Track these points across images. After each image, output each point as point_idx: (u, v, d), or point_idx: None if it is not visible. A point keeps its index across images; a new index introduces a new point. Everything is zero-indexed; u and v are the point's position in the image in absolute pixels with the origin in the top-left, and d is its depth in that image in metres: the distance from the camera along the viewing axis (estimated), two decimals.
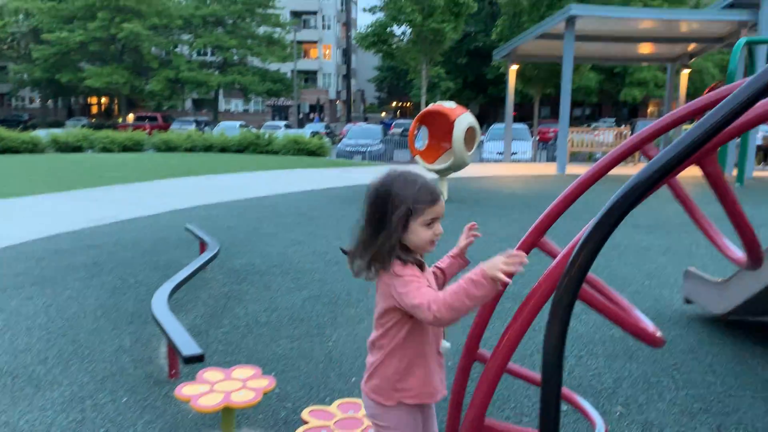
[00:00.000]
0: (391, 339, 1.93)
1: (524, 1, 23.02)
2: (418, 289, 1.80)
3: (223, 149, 22.41)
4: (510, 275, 1.66)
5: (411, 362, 1.93)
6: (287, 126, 38.35)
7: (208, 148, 22.55)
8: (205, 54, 51.41)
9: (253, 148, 22.23)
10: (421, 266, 1.92)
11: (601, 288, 2.06)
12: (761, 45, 13.45)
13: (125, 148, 22.35)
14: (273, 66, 51.22)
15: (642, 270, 5.67)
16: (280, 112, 62.90)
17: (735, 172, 13.20)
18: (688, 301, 4.50)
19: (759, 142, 16.32)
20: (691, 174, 1.68)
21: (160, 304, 3.53)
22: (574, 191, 2.18)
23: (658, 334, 1.74)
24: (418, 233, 1.88)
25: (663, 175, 1.28)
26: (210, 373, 2.98)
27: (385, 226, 1.87)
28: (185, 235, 6.49)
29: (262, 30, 49.71)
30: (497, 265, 1.67)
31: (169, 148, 22.42)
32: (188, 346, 2.89)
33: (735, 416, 2.99)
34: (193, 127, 32.82)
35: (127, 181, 12.62)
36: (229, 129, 27.85)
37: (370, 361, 1.99)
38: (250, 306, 4.60)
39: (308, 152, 21.80)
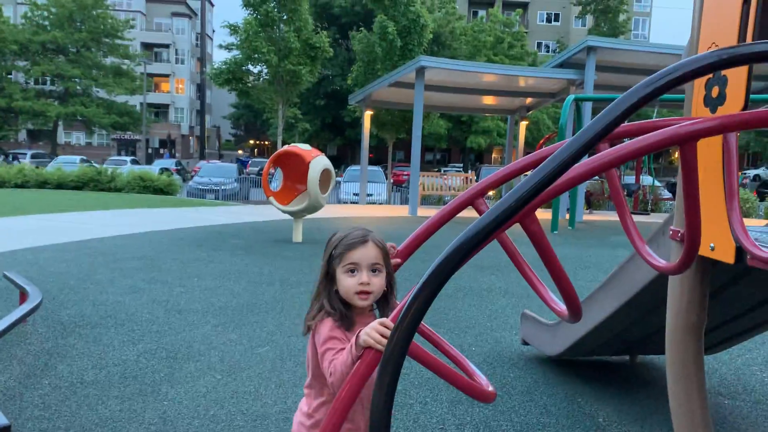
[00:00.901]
0: (317, 389, 1.92)
1: (378, 50, 23.85)
2: (327, 353, 1.77)
3: (60, 186, 20.70)
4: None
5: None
6: (134, 161, 36.43)
7: (42, 185, 20.72)
8: (44, 83, 47.78)
9: (93, 184, 20.75)
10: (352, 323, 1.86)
11: (436, 341, 2.07)
12: (587, 101, 14.95)
13: None
14: (121, 98, 48.65)
15: (484, 312, 5.90)
16: (127, 147, 59.75)
17: (567, 216, 14.39)
18: (525, 343, 4.72)
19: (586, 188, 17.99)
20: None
21: None
22: (420, 234, 2.20)
23: (490, 389, 1.76)
24: (342, 282, 1.84)
25: (482, 239, 1.29)
26: None
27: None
28: (3, 283, 5.81)
29: (109, 60, 47.17)
30: (370, 330, 1.63)
31: None
32: None
33: None
34: (26, 160, 30.14)
35: None
36: (67, 164, 25.88)
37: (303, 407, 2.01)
38: (75, 363, 4.16)
39: (156, 190, 20.73)
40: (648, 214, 16.85)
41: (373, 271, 1.85)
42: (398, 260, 2.11)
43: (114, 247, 8.73)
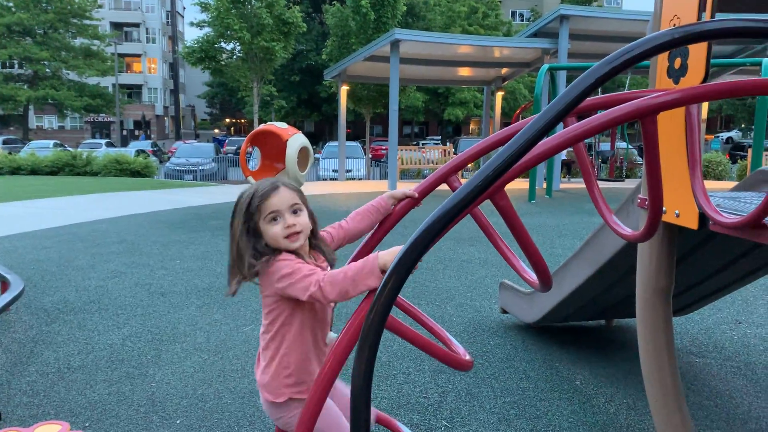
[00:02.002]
0: (274, 331, 1.92)
1: (352, 24, 23.62)
2: (298, 272, 1.79)
3: (34, 171, 20.39)
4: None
5: (291, 352, 1.92)
6: (109, 144, 35.88)
7: (15, 171, 20.40)
8: (12, 66, 46.60)
9: (69, 169, 20.46)
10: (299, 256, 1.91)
11: (415, 314, 2.15)
12: (561, 70, 15.01)
13: None
14: (92, 80, 47.66)
15: (464, 282, 6.01)
16: (101, 129, 58.77)
17: (545, 185, 14.54)
18: (504, 311, 4.84)
19: (564, 157, 18.14)
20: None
21: None
22: (399, 211, 2.26)
23: (467, 357, 1.84)
24: (267, 232, 1.88)
25: (452, 218, 1.35)
26: None
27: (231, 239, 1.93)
28: None
29: (78, 42, 46.07)
30: (394, 254, 1.66)
31: None
32: None
33: (545, 419, 3.25)
34: None
35: None
36: (41, 149, 25.45)
37: (259, 357, 2.01)
38: (61, 349, 4.19)
39: (132, 173, 20.49)
40: (623, 180, 17.07)
41: (294, 212, 1.90)
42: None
43: (93, 232, 8.68)
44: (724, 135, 46.27)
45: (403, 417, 3.25)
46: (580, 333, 4.69)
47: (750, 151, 15.12)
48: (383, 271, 1.70)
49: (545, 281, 1.77)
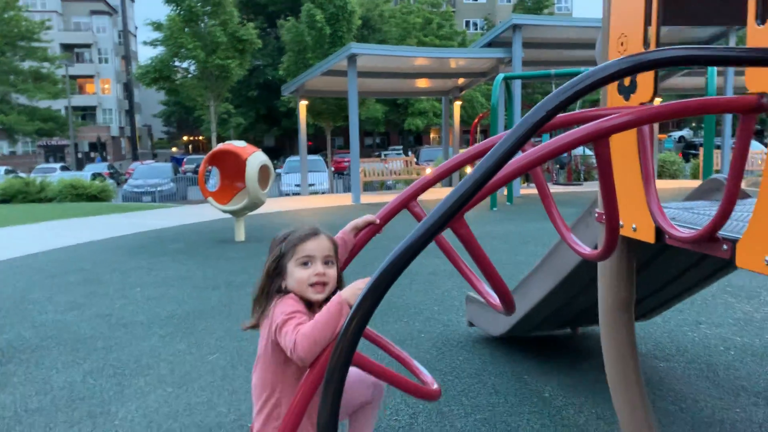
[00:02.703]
0: (269, 380, 1.92)
1: (308, 39, 23.63)
2: (289, 324, 1.76)
3: None
4: None
5: (283, 407, 1.89)
6: (64, 168, 35.11)
7: None
8: None
9: (22, 196, 19.89)
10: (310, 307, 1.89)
11: (382, 344, 2.13)
12: (516, 79, 15.26)
13: None
14: (43, 103, 46.55)
15: (431, 296, 6.02)
16: (55, 153, 57.42)
17: (506, 192, 14.70)
18: (471, 324, 4.85)
19: None
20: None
21: None
22: (362, 239, 2.24)
23: (435, 387, 1.83)
24: (294, 274, 1.85)
25: (417, 252, 1.34)
26: None
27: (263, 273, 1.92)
28: None
29: (27, 64, 44.95)
30: (356, 291, 1.66)
31: None
32: None
33: None
34: None
35: None
36: None
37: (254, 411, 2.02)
38: (18, 390, 4.04)
39: (89, 197, 20.04)
40: (581, 184, 17.39)
41: (326, 263, 1.88)
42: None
43: (49, 263, 8.44)
44: (677, 134, 47.64)
45: None
46: (548, 343, 4.73)
47: (702, 149, 15.60)
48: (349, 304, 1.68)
49: (508, 306, 1.77)
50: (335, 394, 1.51)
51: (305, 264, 1.86)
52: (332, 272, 1.89)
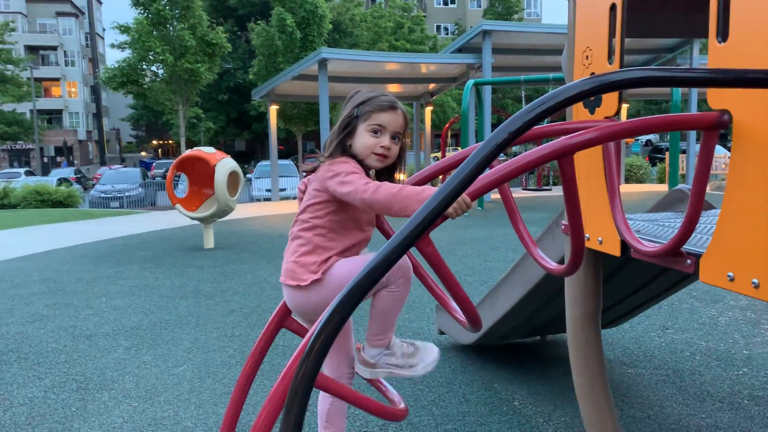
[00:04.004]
0: (316, 226, 1.96)
1: (278, 43, 23.49)
2: (360, 177, 1.81)
3: None
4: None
5: (328, 247, 1.95)
6: (29, 173, 34.37)
7: None
8: None
9: None
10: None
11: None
12: (486, 85, 15.38)
13: None
14: (8, 106, 45.52)
15: None
16: (20, 157, 56.18)
17: None
18: (441, 333, 4.85)
19: None
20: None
21: None
22: None
23: (401, 406, 1.81)
24: (361, 138, 1.90)
25: (383, 272, 1.32)
26: None
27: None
28: None
29: None
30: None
31: None
32: None
33: None
34: None
35: None
36: None
37: (287, 257, 2.03)
38: None
39: (55, 203, 19.62)
40: (550, 189, 17.57)
41: (394, 138, 1.93)
42: None
43: (11, 272, 8.22)
44: (644, 138, 48.50)
45: None
46: (517, 350, 4.75)
47: (668, 154, 15.89)
48: None
49: (474, 323, 1.76)
50: (297, 417, 1.48)
51: (375, 132, 1.92)
52: (396, 149, 1.96)
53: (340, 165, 1.87)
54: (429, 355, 2.02)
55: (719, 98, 1.66)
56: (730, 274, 1.67)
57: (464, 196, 1.60)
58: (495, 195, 17.32)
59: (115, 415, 3.72)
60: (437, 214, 1.38)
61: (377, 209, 1.78)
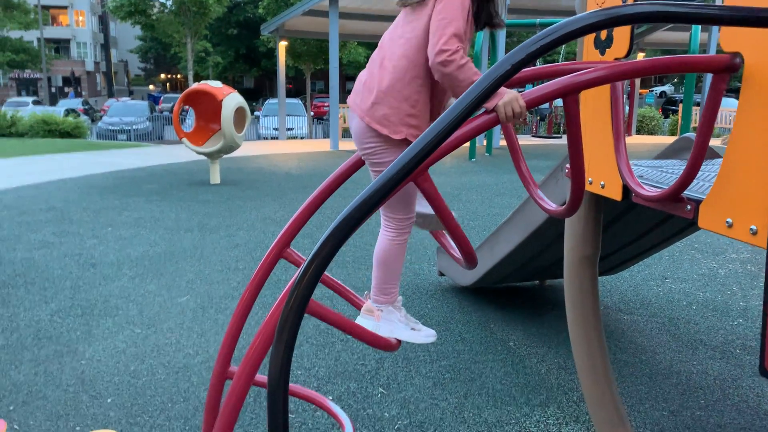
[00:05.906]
0: (409, 68, 1.86)
1: None
2: (448, 30, 1.72)
3: None
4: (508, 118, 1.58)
5: (420, 94, 1.88)
6: (36, 102, 34.07)
7: None
8: None
9: None
10: None
11: (344, 293, 2.13)
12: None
13: None
14: (14, 33, 44.84)
15: None
16: (28, 87, 55.75)
17: (485, 143, 14.66)
18: (441, 274, 4.89)
19: None
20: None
21: None
22: (323, 191, 2.21)
23: (394, 340, 1.84)
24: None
25: (379, 201, 1.32)
26: None
27: None
28: None
29: None
30: (514, 98, 1.58)
31: None
32: None
33: (479, 381, 3.33)
34: None
35: None
36: None
37: (373, 87, 1.90)
38: None
39: (62, 134, 19.55)
40: (560, 137, 17.37)
41: None
42: None
43: (19, 200, 8.29)
44: (658, 89, 47.62)
45: (340, 385, 3.27)
46: (515, 294, 4.80)
47: (681, 106, 15.62)
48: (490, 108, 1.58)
49: (470, 261, 1.77)
50: (288, 343, 1.51)
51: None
52: None
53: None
54: (429, 335, 2.01)
55: (732, 40, 1.61)
56: (729, 220, 1.67)
57: (519, 98, 1.54)
58: (503, 142, 17.17)
59: (118, 340, 3.81)
60: (432, 149, 1.36)
61: (445, 80, 1.74)
